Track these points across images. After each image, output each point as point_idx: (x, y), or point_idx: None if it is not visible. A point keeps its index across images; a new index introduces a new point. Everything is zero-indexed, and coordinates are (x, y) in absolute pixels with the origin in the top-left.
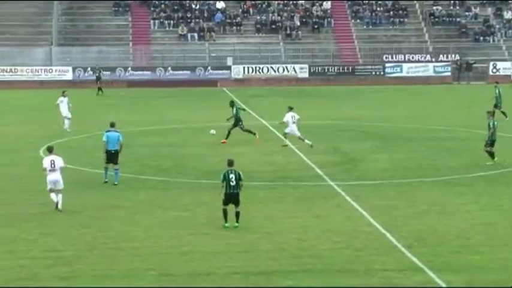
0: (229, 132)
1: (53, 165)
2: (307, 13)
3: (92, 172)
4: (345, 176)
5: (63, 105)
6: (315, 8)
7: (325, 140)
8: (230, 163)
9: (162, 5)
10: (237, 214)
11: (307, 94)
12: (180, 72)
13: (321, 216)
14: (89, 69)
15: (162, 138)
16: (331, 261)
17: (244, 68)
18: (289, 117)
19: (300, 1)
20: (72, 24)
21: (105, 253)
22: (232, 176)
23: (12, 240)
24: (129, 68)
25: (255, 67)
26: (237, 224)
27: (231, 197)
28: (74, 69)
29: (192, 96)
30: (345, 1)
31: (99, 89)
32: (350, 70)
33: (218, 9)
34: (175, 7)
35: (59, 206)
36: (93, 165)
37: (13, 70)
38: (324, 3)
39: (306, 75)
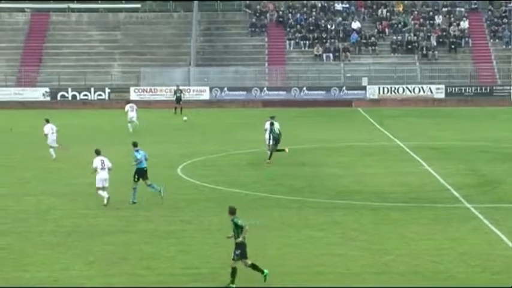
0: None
1: (103, 165)
2: (444, 33)
3: (228, 191)
4: (483, 199)
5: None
6: (452, 27)
7: (463, 161)
8: (232, 211)
9: (298, 26)
10: (253, 266)
11: (443, 115)
12: (315, 92)
13: (456, 238)
14: (225, 89)
15: (296, 158)
16: (467, 284)
17: (379, 88)
18: (267, 125)
19: (437, 21)
20: (210, 44)
21: (239, 272)
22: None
23: (150, 256)
24: (265, 88)
25: (391, 87)
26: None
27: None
28: (211, 89)
29: (327, 116)
30: (484, 22)
31: (176, 108)
32: (488, 91)
33: (354, 30)
34: (311, 27)
35: (105, 201)
36: (228, 183)
37: (153, 90)
38: (462, 23)
39: (443, 95)
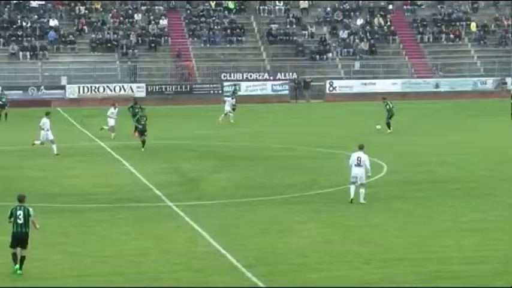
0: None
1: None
2: (144, 31)
3: None
4: (185, 197)
5: None
6: (151, 26)
7: (165, 160)
8: (21, 199)
9: None
10: (22, 259)
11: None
12: (11, 92)
13: (160, 237)
14: None
15: None
16: (173, 284)
17: (79, 87)
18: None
19: (136, 19)
20: None
21: None
22: (20, 212)
23: None
24: None
25: (91, 86)
26: (20, 271)
27: (19, 238)
28: None
29: (24, 116)
30: (182, 20)
31: None
32: (188, 89)
33: (51, 27)
34: (5, 25)
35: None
36: None
37: None
38: (161, 21)
39: (144, 94)
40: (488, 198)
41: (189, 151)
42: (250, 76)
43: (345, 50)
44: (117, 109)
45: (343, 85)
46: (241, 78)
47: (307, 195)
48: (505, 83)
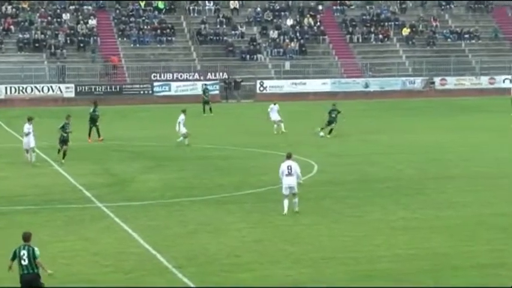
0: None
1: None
2: (72, 31)
3: None
4: (114, 197)
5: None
6: (80, 26)
7: (95, 161)
8: (26, 237)
9: None
10: None
11: (74, 115)
12: None
13: (89, 239)
14: None
15: None
16: (102, 286)
17: (6, 88)
18: None
19: (65, 19)
20: None
21: None
22: (24, 252)
23: None
24: None
25: (18, 87)
26: None
27: (28, 282)
28: None
29: None
30: (111, 20)
31: None
32: (118, 89)
33: None
34: None
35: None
36: None
37: None
38: (90, 21)
39: (73, 94)
40: (416, 196)
41: (119, 152)
42: (181, 76)
43: (275, 50)
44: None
45: (274, 85)
46: (171, 78)
47: (238, 195)
48: (433, 83)
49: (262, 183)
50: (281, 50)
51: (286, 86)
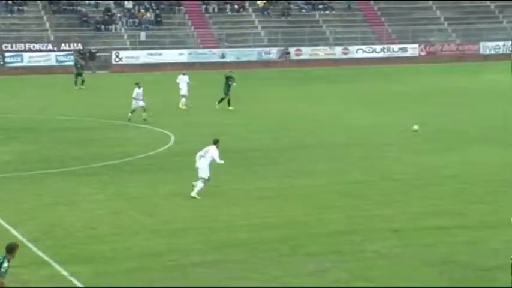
0: None
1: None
2: None
3: None
4: None
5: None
6: None
7: None
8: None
9: None
10: None
11: None
12: None
13: None
14: None
15: None
16: None
17: None
18: None
19: None
20: None
21: None
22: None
23: None
24: None
25: None
26: None
27: None
28: None
29: None
30: None
31: None
32: None
33: None
34: None
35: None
36: None
37: None
38: None
39: None
40: (272, 166)
41: None
42: (33, 47)
43: (131, 20)
44: (141, 89)
45: (129, 56)
46: (23, 49)
47: (94, 167)
48: (288, 53)
49: (117, 155)
50: (136, 20)
51: (142, 56)
